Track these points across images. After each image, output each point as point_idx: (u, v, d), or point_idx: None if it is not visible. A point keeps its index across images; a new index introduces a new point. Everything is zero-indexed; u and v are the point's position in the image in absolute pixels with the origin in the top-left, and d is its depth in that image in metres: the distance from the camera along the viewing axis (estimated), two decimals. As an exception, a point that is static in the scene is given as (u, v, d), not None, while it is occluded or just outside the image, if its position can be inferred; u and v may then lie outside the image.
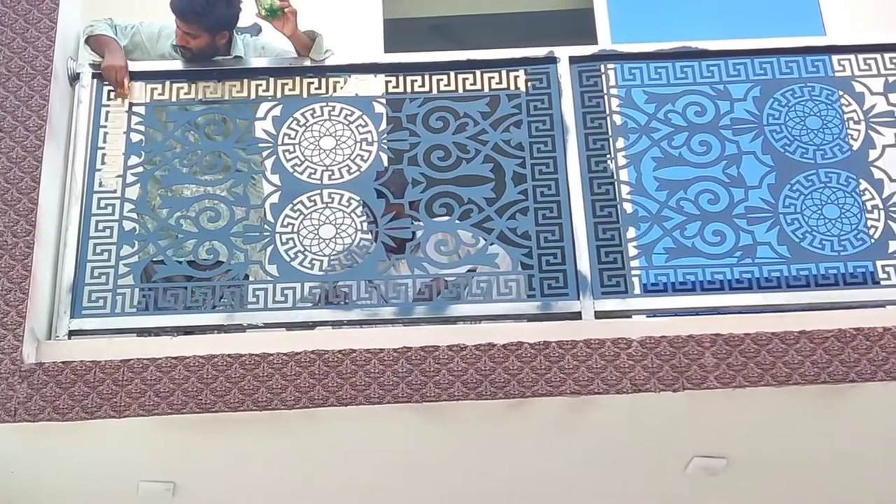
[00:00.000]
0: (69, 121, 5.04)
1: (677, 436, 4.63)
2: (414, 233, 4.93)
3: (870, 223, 4.84)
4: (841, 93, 5.08)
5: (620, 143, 4.99)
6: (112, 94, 5.05)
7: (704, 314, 4.71)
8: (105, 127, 5.02)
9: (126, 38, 5.35)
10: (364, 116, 5.04)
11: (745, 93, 5.05)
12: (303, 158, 4.96)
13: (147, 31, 5.43)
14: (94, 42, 5.24)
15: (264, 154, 5.04)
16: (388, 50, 6.47)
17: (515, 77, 5.10)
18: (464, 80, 5.10)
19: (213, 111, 5.13)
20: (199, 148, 5.07)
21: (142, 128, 5.05)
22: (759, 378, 4.38)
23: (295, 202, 4.88)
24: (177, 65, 5.25)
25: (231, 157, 5.04)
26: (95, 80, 5.09)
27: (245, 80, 5.15)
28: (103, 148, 4.97)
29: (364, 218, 4.87)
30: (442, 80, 5.10)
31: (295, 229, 4.84)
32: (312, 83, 5.13)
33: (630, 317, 4.74)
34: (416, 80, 5.10)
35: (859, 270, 4.76)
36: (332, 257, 4.85)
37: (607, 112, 5.03)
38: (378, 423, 4.46)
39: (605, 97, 5.06)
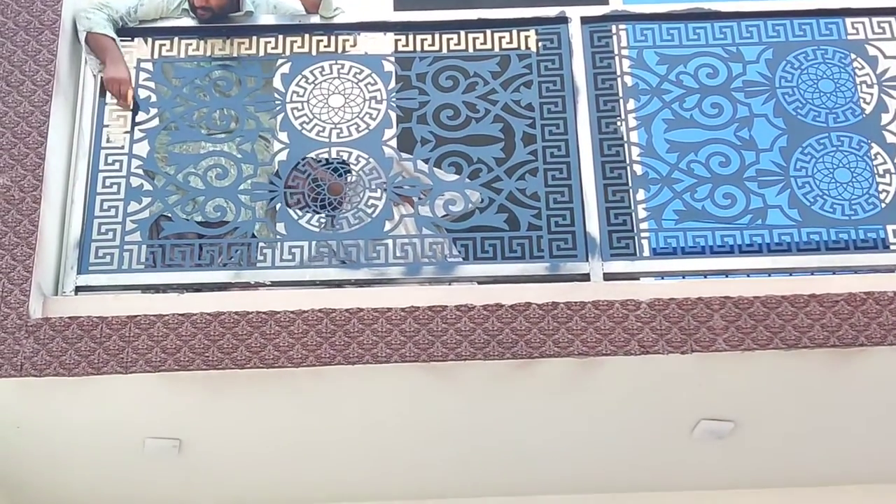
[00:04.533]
0: (77, 76, 5.02)
1: (685, 398, 4.62)
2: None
3: (881, 187, 4.82)
4: (854, 56, 5.04)
5: (631, 104, 4.97)
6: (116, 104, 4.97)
7: (714, 277, 4.69)
8: (113, 81, 4.99)
9: (133, 22, 5.13)
10: (373, 75, 5.01)
11: (757, 55, 5.02)
12: (311, 116, 4.94)
13: (151, 5, 5.24)
14: (93, 42, 5.01)
15: (274, 111, 5.01)
16: (397, 8, 6.43)
17: (526, 37, 5.07)
18: (474, 39, 5.07)
19: (224, 68, 5.09)
20: (207, 105, 5.04)
21: (150, 84, 5.02)
22: (767, 341, 4.37)
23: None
24: (185, 21, 5.20)
25: (239, 115, 5.01)
26: (103, 36, 5.06)
27: (254, 38, 5.12)
28: (111, 103, 4.95)
29: (373, 175, 4.85)
30: (452, 39, 5.07)
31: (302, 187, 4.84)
32: (321, 41, 5.10)
33: (639, 279, 4.74)
34: (425, 39, 5.07)
35: (870, 234, 4.74)
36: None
37: (618, 73, 5.01)
38: (385, 382, 4.46)
39: (617, 58, 5.03)
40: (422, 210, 4.88)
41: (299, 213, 4.86)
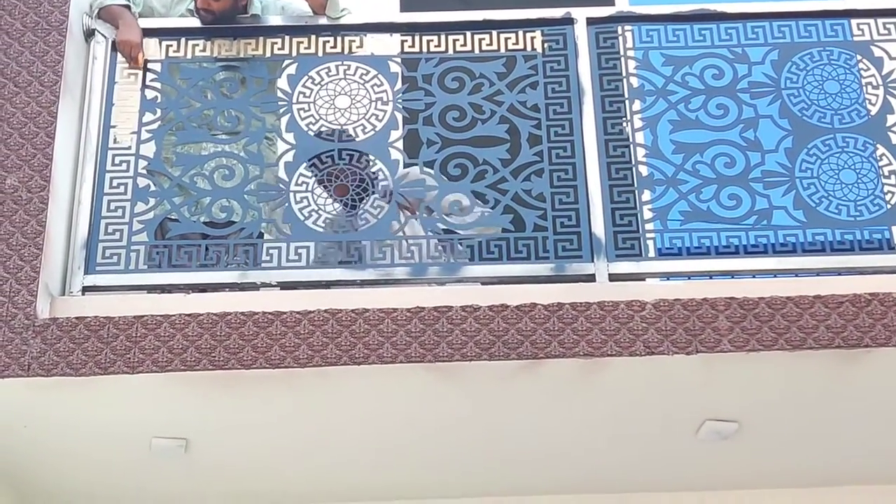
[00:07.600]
0: (84, 76, 5.03)
1: (689, 399, 4.62)
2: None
3: (886, 188, 4.82)
4: (859, 57, 5.05)
5: (637, 105, 4.97)
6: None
7: (719, 278, 4.70)
8: (120, 83, 5.01)
9: (137, 6, 5.27)
10: (379, 76, 5.02)
11: (763, 56, 5.02)
12: (317, 117, 4.96)
13: None
14: (107, 13, 5.14)
15: (279, 112, 5.03)
16: (404, 9, 6.45)
17: (532, 38, 5.08)
18: (480, 40, 5.08)
19: (230, 69, 5.11)
20: (213, 106, 5.06)
21: (157, 84, 5.04)
22: (772, 342, 4.37)
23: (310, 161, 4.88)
24: (192, 22, 5.23)
25: (245, 116, 5.03)
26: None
27: (261, 39, 5.14)
28: (118, 104, 4.97)
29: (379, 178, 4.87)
30: (458, 40, 5.08)
31: (309, 188, 4.84)
32: (328, 42, 5.11)
33: (644, 279, 4.74)
34: (431, 40, 5.08)
35: (875, 236, 4.74)
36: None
37: (624, 74, 5.01)
38: (390, 383, 4.46)
39: (622, 59, 5.03)
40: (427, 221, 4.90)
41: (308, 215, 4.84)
